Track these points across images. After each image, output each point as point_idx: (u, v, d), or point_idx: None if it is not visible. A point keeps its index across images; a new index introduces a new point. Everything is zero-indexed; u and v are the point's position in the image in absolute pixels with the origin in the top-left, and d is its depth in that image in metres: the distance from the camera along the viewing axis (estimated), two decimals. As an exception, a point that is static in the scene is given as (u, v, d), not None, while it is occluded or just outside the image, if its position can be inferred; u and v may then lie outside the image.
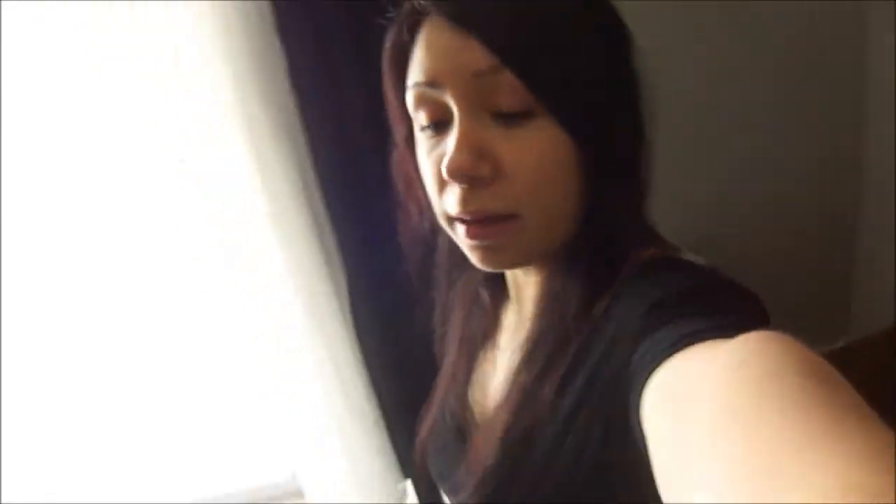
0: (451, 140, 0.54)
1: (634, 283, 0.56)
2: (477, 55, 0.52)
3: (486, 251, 0.58)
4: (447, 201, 0.58)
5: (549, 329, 0.60)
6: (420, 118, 0.58)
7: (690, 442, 0.35)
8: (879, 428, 0.29)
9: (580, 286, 0.58)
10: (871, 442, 0.28)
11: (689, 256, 0.60)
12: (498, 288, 0.76)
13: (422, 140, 0.59)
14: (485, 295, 0.75)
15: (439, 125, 0.57)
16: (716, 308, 0.48)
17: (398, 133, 0.66)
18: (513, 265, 0.64)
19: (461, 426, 0.73)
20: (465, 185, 0.55)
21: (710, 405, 0.35)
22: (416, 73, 0.56)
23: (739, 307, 0.49)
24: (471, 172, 0.53)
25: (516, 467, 0.60)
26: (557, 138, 0.53)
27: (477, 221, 0.56)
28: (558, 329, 0.59)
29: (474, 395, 0.74)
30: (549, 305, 0.61)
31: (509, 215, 0.55)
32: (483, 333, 0.76)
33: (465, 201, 0.55)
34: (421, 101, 0.57)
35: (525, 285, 0.69)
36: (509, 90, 0.52)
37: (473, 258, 0.60)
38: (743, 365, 0.36)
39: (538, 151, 0.53)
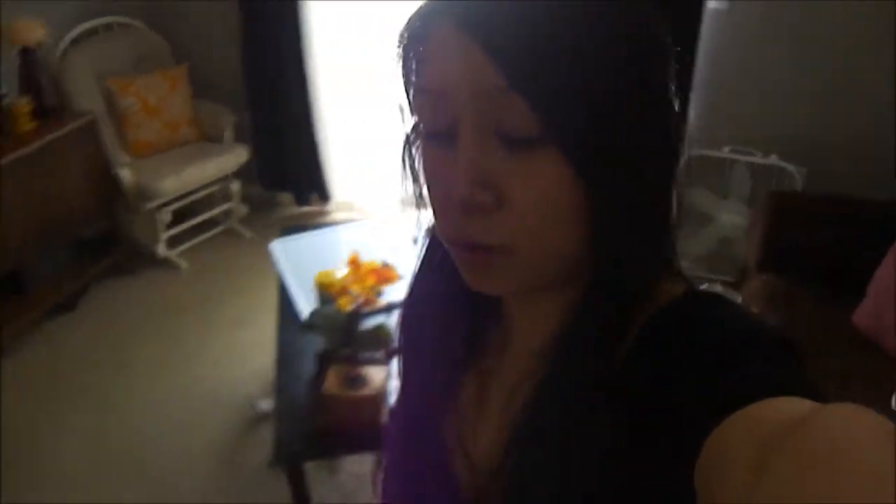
0: (455, 164, 0.50)
1: (676, 322, 0.52)
2: (487, 72, 0.47)
3: (477, 275, 0.55)
4: (441, 219, 0.55)
5: (566, 369, 0.55)
6: (423, 124, 0.54)
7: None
8: None
9: (601, 323, 0.54)
10: None
11: (720, 292, 0.56)
12: (489, 301, 0.66)
13: (425, 147, 0.55)
14: (470, 306, 0.66)
15: (445, 137, 0.51)
16: (777, 357, 0.46)
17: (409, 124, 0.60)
18: (507, 292, 0.60)
19: (445, 465, 0.66)
20: (462, 213, 0.51)
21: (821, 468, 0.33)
22: (422, 79, 0.52)
23: (798, 356, 0.47)
24: (470, 203, 0.49)
25: None
26: (565, 173, 0.48)
27: (469, 248, 0.53)
28: (576, 370, 0.55)
29: (459, 426, 0.67)
30: (566, 342, 0.56)
31: (504, 248, 0.51)
32: (466, 351, 0.68)
33: (458, 227, 0.52)
34: (426, 110, 0.52)
35: (528, 310, 0.62)
36: (518, 113, 0.47)
37: (465, 278, 0.56)
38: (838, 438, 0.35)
39: (543, 185, 0.49)
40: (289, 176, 3.72)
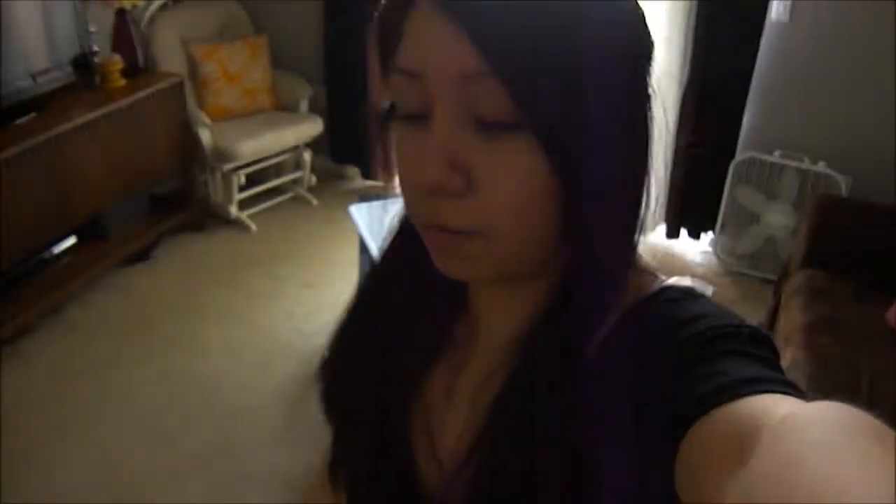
0: (428, 146, 0.49)
1: (650, 316, 0.53)
2: (467, 54, 0.46)
3: (448, 260, 0.54)
4: (411, 202, 0.54)
5: (542, 361, 0.55)
6: (399, 105, 0.52)
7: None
8: None
9: (574, 316, 0.53)
10: None
11: (690, 285, 0.57)
12: (455, 291, 0.65)
13: (399, 127, 0.53)
14: (437, 297, 0.63)
15: (418, 118, 0.50)
16: (757, 354, 0.47)
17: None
18: (476, 279, 0.60)
19: (409, 458, 0.64)
20: (431, 195, 0.50)
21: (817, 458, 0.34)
22: (399, 58, 0.50)
23: (772, 350, 0.49)
24: (440, 186, 0.48)
25: None
26: (540, 161, 0.48)
27: (438, 231, 0.52)
28: (547, 363, 0.54)
29: (422, 420, 0.64)
30: (537, 335, 0.55)
31: (474, 233, 0.50)
32: (428, 341, 0.66)
33: (428, 211, 0.51)
34: (401, 90, 0.51)
35: (497, 302, 0.61)
36: (495, 99, 0.47)
37: (435, 262, 0.55)
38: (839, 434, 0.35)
39: (517, 171, 0.48)
40: (358, 150, 3.89)
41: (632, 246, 0.56)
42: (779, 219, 3.18)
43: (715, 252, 3.39)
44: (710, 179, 3.27)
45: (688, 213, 3.36)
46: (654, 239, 3.41)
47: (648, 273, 0.58)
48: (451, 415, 0.63)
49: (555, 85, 0.46)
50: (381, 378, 0.66)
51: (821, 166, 3.07)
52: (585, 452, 0.50)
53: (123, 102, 3.12)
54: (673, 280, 0.57)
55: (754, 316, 2.87)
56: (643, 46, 0.53)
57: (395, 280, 0.66)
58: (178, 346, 2.91)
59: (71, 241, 3.17)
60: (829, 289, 2.56)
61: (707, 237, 3.43)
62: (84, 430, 2.51)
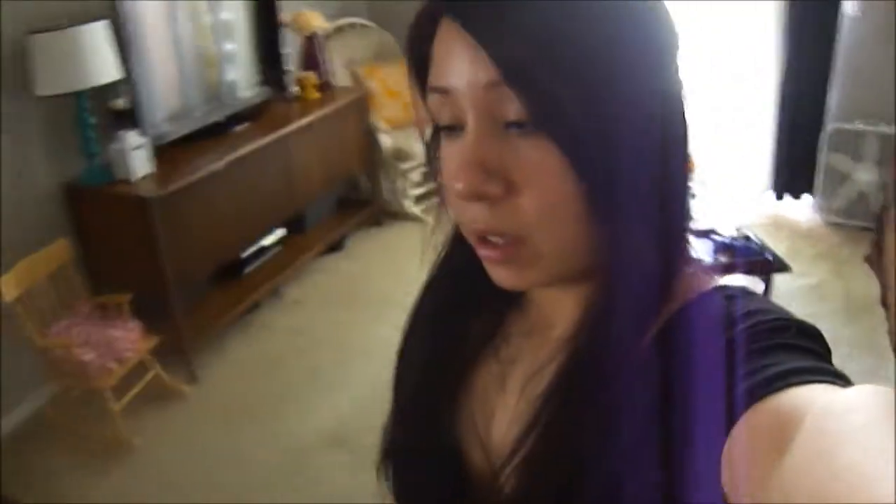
0: (462, 154, 0.51)
1: (703, 315, 0.53)
2: (485, 65, 0.48)
3: (502, 269, 0.55)
4: (457, 211, 0.55)
5: (591, 357, 0.55)
6: (438, 119, 0.54)
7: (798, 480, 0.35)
8: None
9: (626, 311, 0.53)
10: None
11: (746, 287, 0.56)
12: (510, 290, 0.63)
13: (443, 139, 0.55)
14: (493, 294, 0.61)
15: (455, 129, 0.53)
16: (805, 346, 0.47)
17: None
18: (529, 287, 0.60)
19: (456, 453, 0.66)
20: (473, 202, 0.51)
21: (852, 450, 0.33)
22: (432, 77, 0.53)
23: (824, 346, 0.49)
24: (478, 192, 0.50)
25: None
26: (564, 163, 0.49)
27: (486, 239, 0.53)
28: (602, 358, 0.54)
29: (472, 413, 0.66)
30: (593, 329, 0.55)
31: (518, 238, 0.52)
32: (483, 335, 0.68)
33: (473, 217, 0.52)
34: (437, 106, 0.53)
35: (552, 298, 0.62)
36: (516, 102, 0.48)
37: (490, 274, 0.56)
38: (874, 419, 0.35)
39: (548, 172, 0.49)
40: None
41: (676, 246, 0.55)
42: (866, 176, 3.88)
43: (815, 209, 4.07)
44: (806, 149, 3.96)
45: (789, 179, 4.04)
46: (763, 203, 4.08)
47: (704, 273, 0.58)
48: (501, 406, 0.63)
49: (567, 92, 0.47)
50: (436, 369, 0.67)
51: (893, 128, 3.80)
52: (630, 448, 0.50)
53: (323, 112, 3.66)
54: (727, 280, 0.57)
55: (858, 254, 3.54)
56: (664, 44, 0.52)
57: (453, 279, 0.67)
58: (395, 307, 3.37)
59: (282, 232, 3.65)
60: None
61: (807, 198, 4.11)
62: (330, 382, 2.97)
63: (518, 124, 0.49)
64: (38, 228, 2.80)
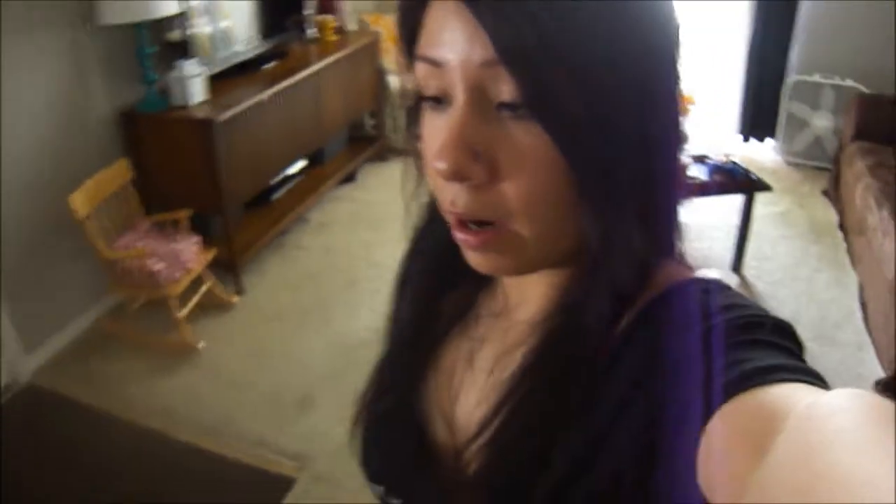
0: (448, 132, 0.48)
1: (675, 305, 0.52)
2: (482, 43, 0.46)
3: (479, 255, 0.53)
4: (436, 187, 0.53)
5: (564, 341, 0.54)
6: (424, 89, 0.51)
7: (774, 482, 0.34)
8: None
9: (603, 297, 0.52)
10: None
11: (719, 279, 0.55)
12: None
13: (425, 109, 0.52)
14: (465, 273, 0.58)
15: (443, 101, 0.50)
16: (782, 344, 0.46)
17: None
18: (509, 273, 0.59)
19: (420, 425, 0.65)
20: (452, 182, 0.49)
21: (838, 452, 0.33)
22: (423, 45, 0.50)
23: (798, 343, 0.48)
24: (461, 173, 0.48)
25: (529, 494, 0.52)
26: (554, 150, 0.47)
27: (464, 223, 0.51)
28: (575, 343, 0.53)
29: (438, 388, 0.66)
30: (566, 315, 0.54)
31: (499, 225, 0.50)
32: (456, 312, 0.67)
33: (453, 197, 0.50)
34: (424, 76, 0.50)
35: (522, 282, 0.60)
36: (510, 84, 0.46)
37: (467, 258, 0.54)
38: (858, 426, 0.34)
39: (536, 159, 0.47)
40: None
41: (661, 236, 0.55)
42: (822, 123, 4.38)
43: (777, 151, 4.56)
44: (769, 99, 4.44)
45: (755, 125, 4.53)
46: (731, 145, 4.55)
47: (681, 263, 0.57)
48: (468, 385, 0.63)
49: (566, 79, 0.45)
50: (410, 342, 0.67)
51: (849, 82, 4.30)
52: (600, 437, 0.50)
53: (344, 52, 3.93)
54: (702, 272, 0.56)
55: (816, 189, 4.05)
56: (666, 39, 0.51)
57: (429, 253, 0.67)
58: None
59: (304, 163, 3.93)
60: (875, 150, 3.74)
61: (770, 142, 4.60)
62: (367, 289, 3.31)
63: (511, 107, 0.47)
64: (99, 152, 3.02)
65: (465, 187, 0.49)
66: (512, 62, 0.45)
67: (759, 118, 4.50)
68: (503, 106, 0.47)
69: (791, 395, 0.40)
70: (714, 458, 0.41)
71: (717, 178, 3.19)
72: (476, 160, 0.48)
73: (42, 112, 2.83)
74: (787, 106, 4.42)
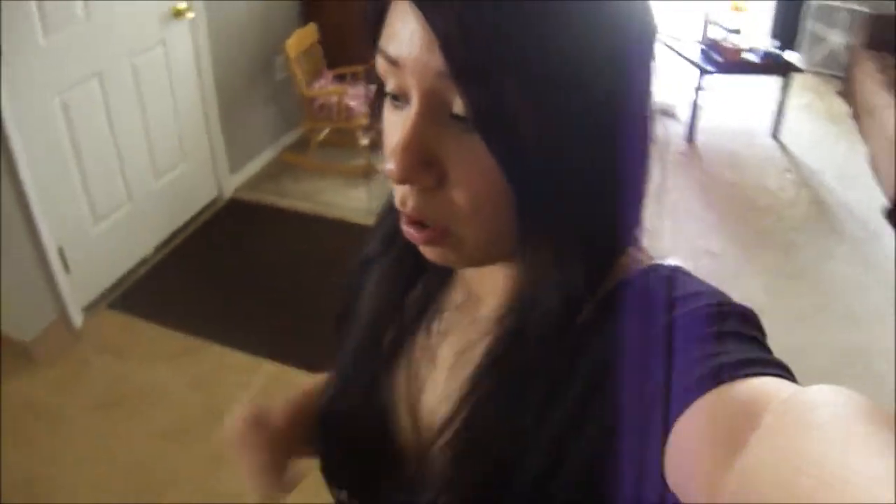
0: (402, 136, 0.47)
1: (637, 294, 0.51)
2: (435, 53, 0.44)
3: (428, 248, 0.53)
4: (391, 182, 0.51)
5: (522, 336, 0.53)
6: (385, 82, 0.50)
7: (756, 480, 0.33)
8: None
9: (562, 288, 0.51)
10: None
11: (676, 264, 0.54)
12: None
13: (386, 102, 0.52)
14: (424, 262, 0.56)
15: (401, 99, 0.49)
16: (749, 335, 0.46)
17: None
18: (459, 267, 0.60)
19: (384, 425, 0.64)
20: (400, 184, 0.49)
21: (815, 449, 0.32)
22: (383, 40, 0.49)
23: (762, 332, 0.48)
24: (410, 179, 0.48)
25: (499, 490, 0.53)
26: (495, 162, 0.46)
27: (412, 222, 0.51)
28: (537, 335, 0.52)
29: (401, 386, 0.65)
30: (520, 311, 0.54)
31: (444, 227, 0.50)
32: (417, 306, 0.66)
33: (403, 198, 0.50)
34: (385, 71, 0.49)
35: (484, 276, 0.59)
36: (459, 98, 0.45)
37: (421, 249, 0.54)
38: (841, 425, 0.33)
39: (481, 170, 0.47)
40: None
41: (616, 231, 0.53)
42: (837, 39, 5.34)
43: (799, 62, 5.53)
44: (792, 18, 5.39)
45: (781, 39, 5.47)
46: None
47: (640, 250, 0.55)
48: (431, 381, 0.63)
49: (515, 99, 0.44)
50: (372, 336, 0.67)
51: (864, 7, 5.24)
52: (564, 433, 0.50)
53: None
54: (661, 259, 0.55)
55: (832, 89, 5.03)
56: (635, 60, 0.48)
57: (386, 246, 0.66)
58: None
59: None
60: (881, 57, 4.69)
61: (792, 53, 5.55)
62: None
63: (462, 119, 0.46)
64: (292, 19, 3.91)
65: (414, 190, 0.49)
66: (463, 79, 0.44)
67: (784, 34, 5.44)
68: (455, 117, 0.46)
69: (763, 390, 0.39)
70: (685, 456, 0.41)
71: (767, 61, 4.16)
72: (426, 166, 0.48)
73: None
74: (808, 25, 5.37)
